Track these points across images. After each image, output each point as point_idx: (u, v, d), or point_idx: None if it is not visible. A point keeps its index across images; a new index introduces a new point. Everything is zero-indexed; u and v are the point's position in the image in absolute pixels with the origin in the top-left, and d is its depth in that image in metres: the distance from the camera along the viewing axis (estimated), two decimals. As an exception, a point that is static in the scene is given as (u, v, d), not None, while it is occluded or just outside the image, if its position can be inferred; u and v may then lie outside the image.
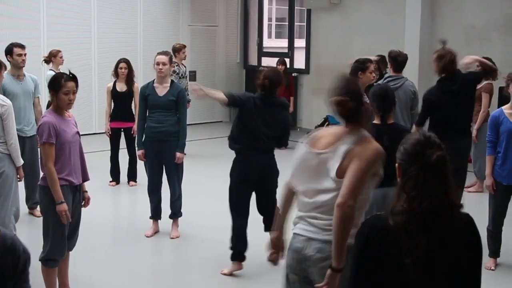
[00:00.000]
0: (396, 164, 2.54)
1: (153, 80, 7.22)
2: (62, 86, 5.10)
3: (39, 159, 5.75)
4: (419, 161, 2.41)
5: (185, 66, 11.48)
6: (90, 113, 13.62)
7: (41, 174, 5.27)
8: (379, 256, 2.42)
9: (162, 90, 7.12)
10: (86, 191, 5.47)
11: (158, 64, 7.08)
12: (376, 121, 5.01)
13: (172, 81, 7.29)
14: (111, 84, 9.43)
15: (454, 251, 2.40)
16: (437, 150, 2.43)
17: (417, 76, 11.49)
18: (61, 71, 9.50)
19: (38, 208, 7.26)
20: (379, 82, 7.58)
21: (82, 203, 5.44)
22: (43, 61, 9.81)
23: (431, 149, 2.42)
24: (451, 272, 2.40)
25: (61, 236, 5.20)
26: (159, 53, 7.24)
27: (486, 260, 6.36)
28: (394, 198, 2.47)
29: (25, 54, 7.79)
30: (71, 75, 5.18)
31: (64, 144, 5.12)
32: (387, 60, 8.17)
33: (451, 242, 2.39)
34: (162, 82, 7.14)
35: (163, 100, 7.08)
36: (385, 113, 4.99)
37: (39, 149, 5.54)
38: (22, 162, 6.26)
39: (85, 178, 5.44)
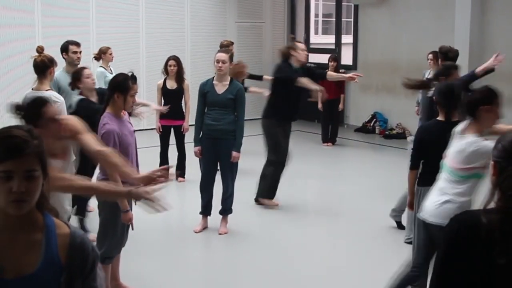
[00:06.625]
0: (492, 162, 2.41)
1: (213, 78, 7.17)
2: (130, 89, 5.09)
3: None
4: None
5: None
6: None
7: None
8: (468, 254, 2.29)
9: (221, 88, 7.07)
10: (136, 186, 5.48)
11: (218, 61, 7.02)
12: (440, 118, 4.91)
13: (231, 79, 7.20)
14: (161, 82, 9.40)
15: None
16: None
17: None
18: (111, 68, 9.65)
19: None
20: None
21: (133, 198, 5.47)
22: (93, 58, 9.91)
23: None
24: None
25: (121, 234, 5.27)
26: (219, 51, 7.20)
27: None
28: (487, 195, 2.33)
29: (80, 52, 7.87)
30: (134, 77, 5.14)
31: (127, 148, 5.10)
32: (438, 55, 8.07)
33: None
34: (221, 80, 7.08)
35: (221, 98, 7.03)
36: (450, 110, 4.88)
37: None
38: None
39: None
